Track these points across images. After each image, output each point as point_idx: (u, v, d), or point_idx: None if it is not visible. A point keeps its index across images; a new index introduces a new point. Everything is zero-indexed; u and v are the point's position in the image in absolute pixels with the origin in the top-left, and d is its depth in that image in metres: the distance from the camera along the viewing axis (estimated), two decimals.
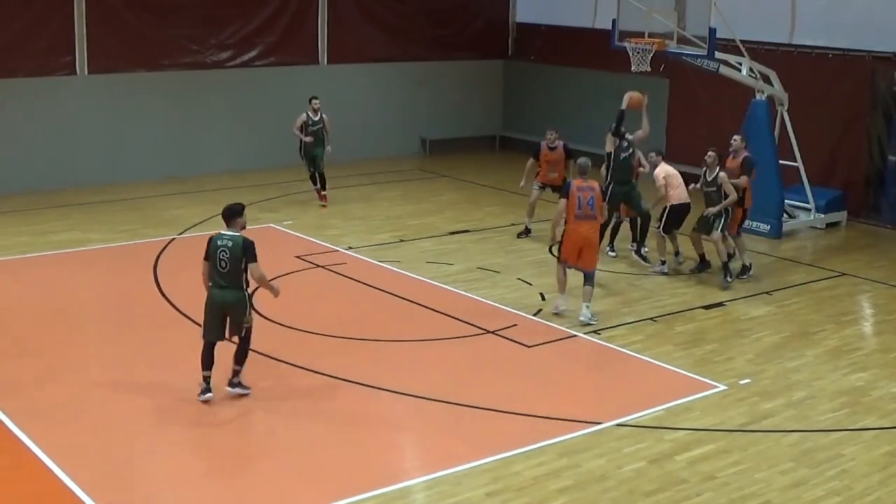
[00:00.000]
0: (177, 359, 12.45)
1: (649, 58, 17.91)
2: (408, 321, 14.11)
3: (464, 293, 15.15)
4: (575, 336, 13.52)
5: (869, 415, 11.40)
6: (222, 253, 10.91)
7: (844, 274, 16.70)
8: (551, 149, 17.90)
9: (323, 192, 20.37)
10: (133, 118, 22.06)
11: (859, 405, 11.64)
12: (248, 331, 11.17)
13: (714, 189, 15.51)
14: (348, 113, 24.59)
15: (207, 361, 11.16)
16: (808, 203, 19.59)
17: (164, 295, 14.60)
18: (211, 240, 11.07)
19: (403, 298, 14.85)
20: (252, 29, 23.42)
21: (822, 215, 19.72)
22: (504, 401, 11.38)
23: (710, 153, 15.58)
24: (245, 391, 11.28)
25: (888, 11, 19.64)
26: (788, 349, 13.35)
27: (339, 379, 11.89)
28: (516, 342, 13.25)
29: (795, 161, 19.23)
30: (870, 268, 17.10)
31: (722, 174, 15.45)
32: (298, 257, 16.56)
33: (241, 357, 11.27)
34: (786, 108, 19.19)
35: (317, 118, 19.99)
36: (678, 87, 23.03)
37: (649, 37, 18.15)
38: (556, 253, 15.16)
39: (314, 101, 20.06)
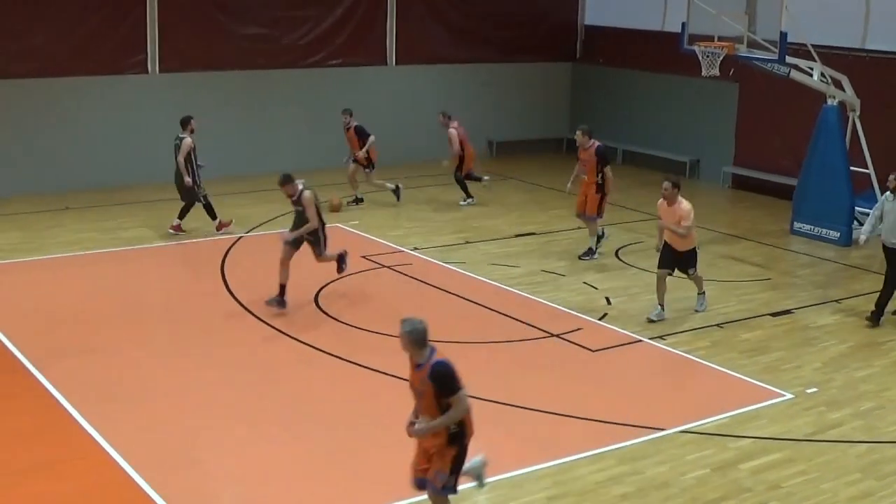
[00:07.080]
0: (242, 355, 12.58)
1: (719, 61, 17.75)
2: (471, 323, 14.10)
3: (528, 296, 15.12)
4: (640, 341, 13.43)
5: None
6: None
7: None
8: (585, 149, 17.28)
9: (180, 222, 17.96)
10: (202, 117, 22.22)
11: None
12: None
13: None
14: (415, 114, 24.64)
15: None
16: None
17: (230, 292, 14.74)
18: None
19: (467, 300, 14.86)
20: (323, 30, 23.59)
21: None
22: (566, 404, 11.35)
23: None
24: None
25: None
26: (856, 359, 13.15)
27: (401, 378, 11.89)
28: (580, 346, 13.20)
29: (866, 168, 18.94)
30: None
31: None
32: (364, 257, 16.63)
33: None
34: (857, 113, 18.91)
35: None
36: (748, 92, 22.77)
37: (719, 40, 18.00)
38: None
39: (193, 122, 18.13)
